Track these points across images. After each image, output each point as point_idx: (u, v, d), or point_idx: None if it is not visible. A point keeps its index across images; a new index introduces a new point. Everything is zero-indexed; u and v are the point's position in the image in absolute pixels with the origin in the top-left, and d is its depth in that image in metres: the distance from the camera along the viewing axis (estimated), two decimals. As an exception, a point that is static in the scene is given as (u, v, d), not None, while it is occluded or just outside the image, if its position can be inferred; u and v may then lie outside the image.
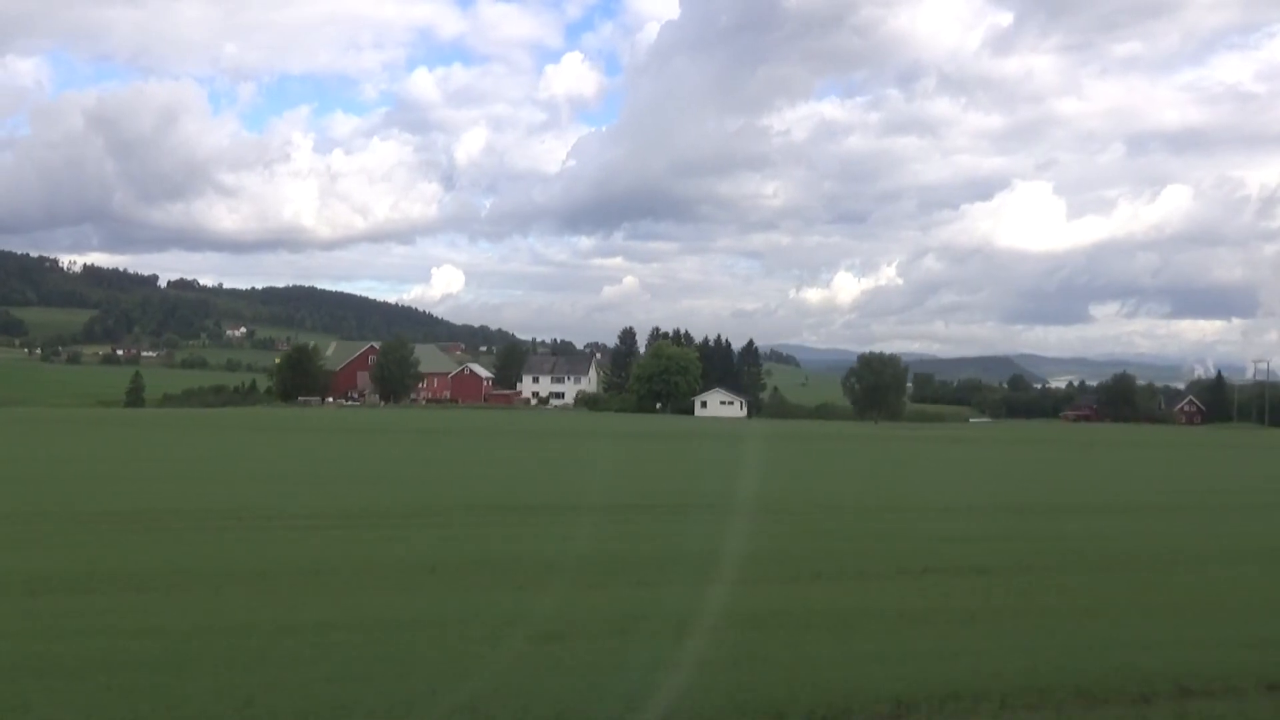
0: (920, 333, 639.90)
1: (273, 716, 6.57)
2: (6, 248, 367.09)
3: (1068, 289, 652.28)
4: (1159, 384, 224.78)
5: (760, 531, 17.90)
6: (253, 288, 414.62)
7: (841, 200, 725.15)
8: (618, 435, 69.24)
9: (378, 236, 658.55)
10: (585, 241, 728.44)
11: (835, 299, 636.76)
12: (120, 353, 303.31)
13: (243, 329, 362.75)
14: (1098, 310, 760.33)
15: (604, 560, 14.00)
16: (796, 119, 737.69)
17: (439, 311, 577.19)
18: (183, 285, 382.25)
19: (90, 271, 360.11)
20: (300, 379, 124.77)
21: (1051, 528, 20.52)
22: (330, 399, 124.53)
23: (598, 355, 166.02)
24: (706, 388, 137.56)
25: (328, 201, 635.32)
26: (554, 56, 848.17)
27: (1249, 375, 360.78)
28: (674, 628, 9.33)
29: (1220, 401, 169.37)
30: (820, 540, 17.21)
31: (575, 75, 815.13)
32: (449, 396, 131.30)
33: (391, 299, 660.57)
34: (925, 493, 29.19)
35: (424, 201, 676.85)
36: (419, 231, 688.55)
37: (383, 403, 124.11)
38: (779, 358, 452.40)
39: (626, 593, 11.71)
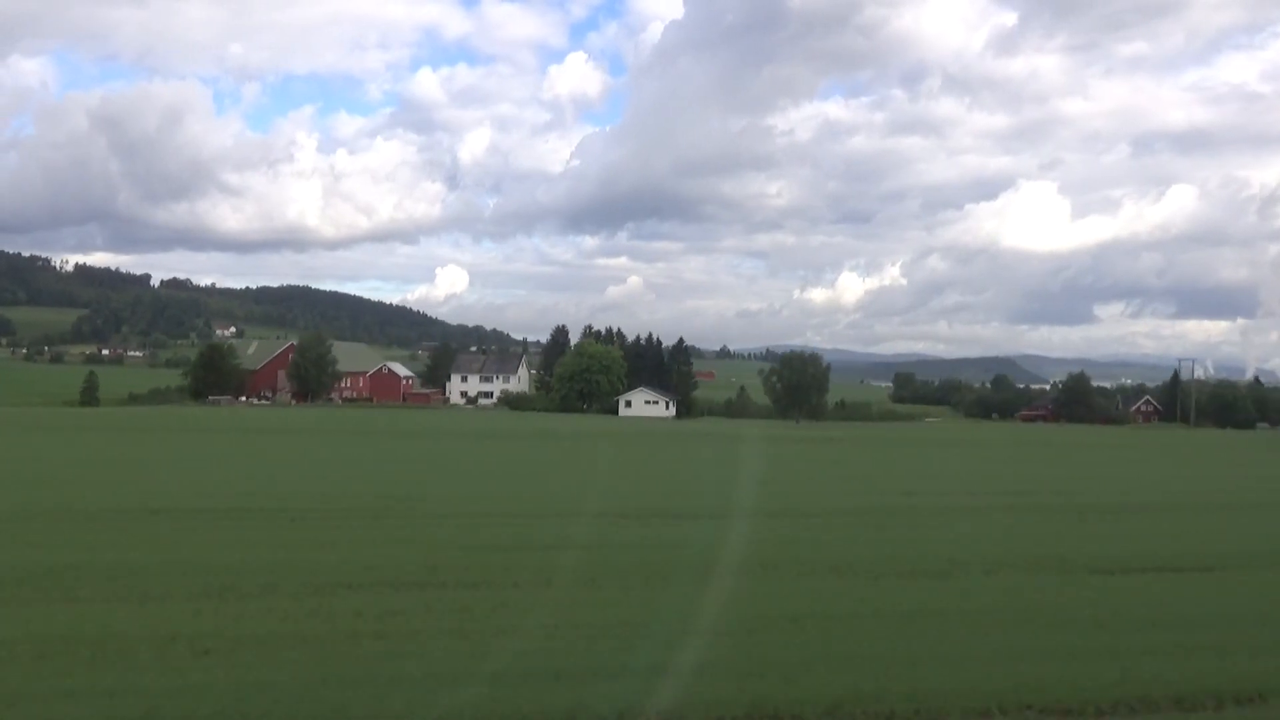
0: (924, 333, 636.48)
1: None
2: (8, 247, 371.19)
3: (1072, 289, 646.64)
4: (1133, 383, 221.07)
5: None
6: (247, 287, 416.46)
7: (846, 200, 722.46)
8: (477, 435, 67.43)
9: (382, 236, 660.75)
10: (589, 241, 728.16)
11: (840, 299, 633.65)
12: (106, 352, 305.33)
13: (232, 329, 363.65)
14: (1102, 311, 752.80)
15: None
16: (801, 119, 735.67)
17: (442, 311, 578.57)
18: (176, 285, 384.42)
19: (82, 271, 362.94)
20: (214, 377, 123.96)
21: (639, 534, 19.12)
22: (244, 398, 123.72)
23: (528, 353, 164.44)
24: (632, 387, 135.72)
25: (331, 201, 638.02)
26: (558, 56, 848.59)
27: (1249, 375, 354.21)
28: None
29: (1176, 402, 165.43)
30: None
31: (579, 75, 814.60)
32: (365, 396, 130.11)
33: (395, 299, 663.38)
34: (565, 494, 27.86)
35: (428, 201, 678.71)
36: (423, 231, 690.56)
37: (294, 401, 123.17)
38: (774, 358, 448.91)
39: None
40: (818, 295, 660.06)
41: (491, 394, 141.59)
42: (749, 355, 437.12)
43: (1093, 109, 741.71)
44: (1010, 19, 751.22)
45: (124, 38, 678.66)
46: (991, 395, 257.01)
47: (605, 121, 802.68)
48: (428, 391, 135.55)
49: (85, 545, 15.68)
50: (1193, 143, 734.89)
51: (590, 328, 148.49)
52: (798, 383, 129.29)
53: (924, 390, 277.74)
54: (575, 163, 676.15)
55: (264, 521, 19.57)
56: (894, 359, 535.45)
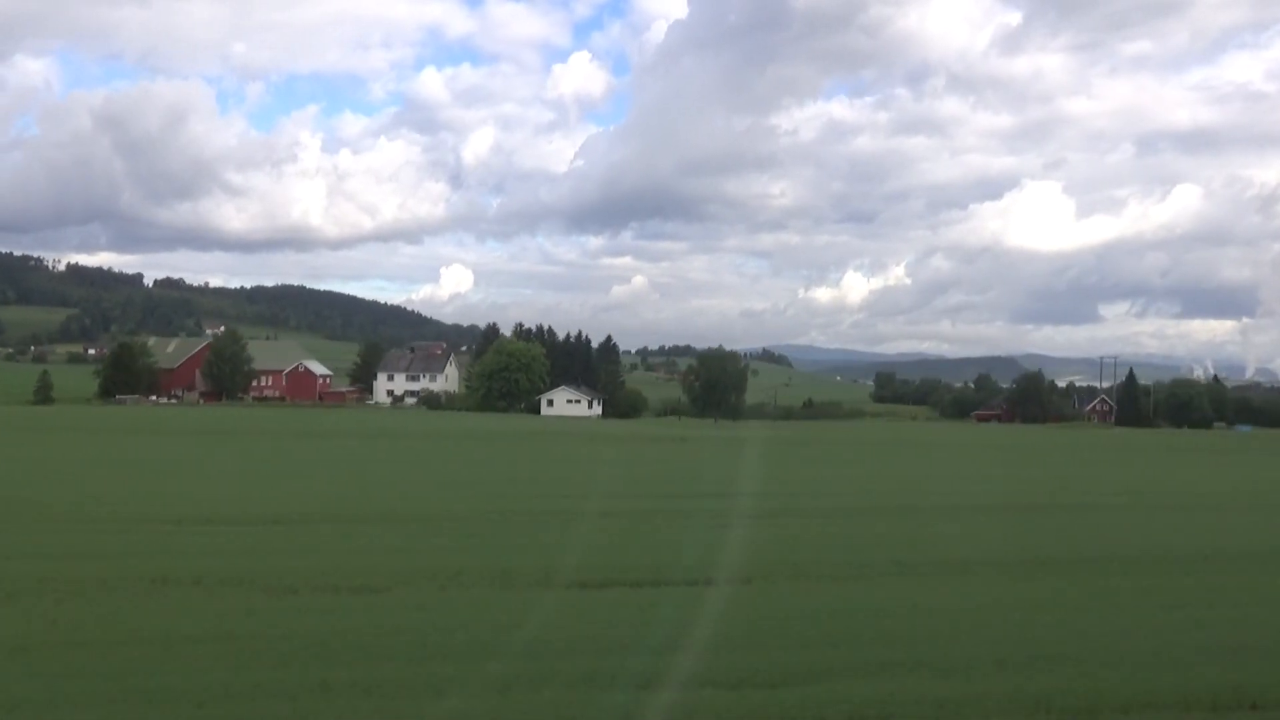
0: (928, 332, 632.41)
1: None
2: (12, 247, 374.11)
3: (1077, 289, 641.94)
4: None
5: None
6: (241, 286, 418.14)
7: (850, 200, 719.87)
8: (359, 435, 65.58)
9: (385, 236, 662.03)
10: (594, 241, 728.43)
11: (844, 299, 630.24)
12: (91, 351, 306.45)
13: (221, 328, 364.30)
14: (1107, 310, 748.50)
15: None
16: (804, 118, 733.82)
17: (446, 311, 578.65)
18: (169, 284, 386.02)
19: (74, 270, 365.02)
20: (123, 376, 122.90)
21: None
22: (154, 397, 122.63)
23: (462, 350, 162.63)
24: (554, 385, 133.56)
25: (335, 201, 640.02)
26: (562, 56, 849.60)
27: (1249, 375, 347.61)
28: None
29: (1133, 401, 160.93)
30: None
31: (583, 75, 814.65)
32: (280, 395, 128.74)
33: (399, 299, 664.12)
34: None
35: (431, 201, 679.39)
36: (426, 231, 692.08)
37: (201, 400, 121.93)
38: (771, 358, 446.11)
39: None
40: (822, 295, 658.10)
41: (417, 393, 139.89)
42: (745, 355, 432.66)
43: (1097, 108, 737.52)
44: (1015, 18, 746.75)
45: (127, 37, 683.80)
46: (971, 395, 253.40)
47: (609, 121, 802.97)
48: (343, 390, 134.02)
49: None
50: (1197, 142, 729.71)
51: (521, 325, 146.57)
52: (715, 381, 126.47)
53: (904, 390, 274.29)
54: (579, 162, 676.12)
55: None
56: (898, 358, 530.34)
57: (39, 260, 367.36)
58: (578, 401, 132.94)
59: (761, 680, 8.65)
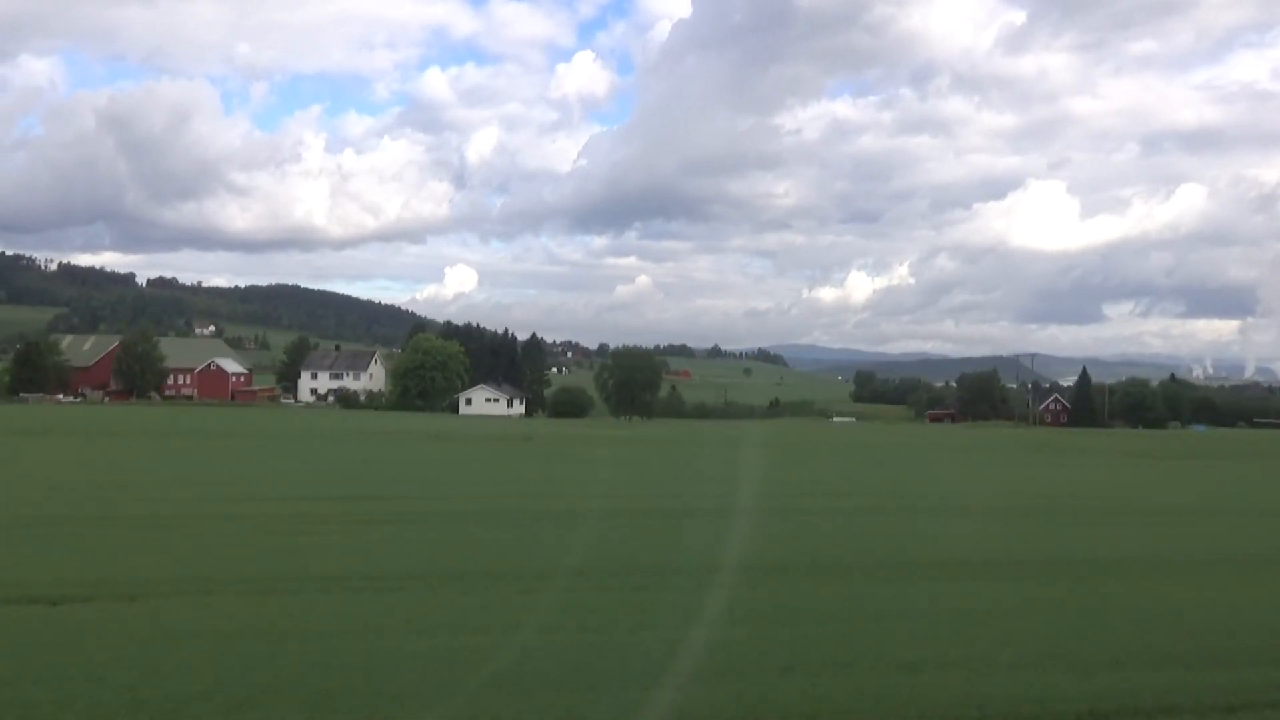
0: (932, 332, 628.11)
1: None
2: (18, 247, 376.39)
3: (1081, 288, 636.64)
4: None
5: None
6: (236, 286, 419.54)
7: (854, 199, 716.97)
8: (190, 435, 63.14)
9: (389, 236, 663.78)
10: (598, 241, 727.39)
11: (849, 298, 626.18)
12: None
13: (211, 328, 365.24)
14: (1111, 310, 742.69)
15: None
16: (808, 118, 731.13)
17: (449, 311, 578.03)
18: (162, 284, 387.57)
19: (66, 270, 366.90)
20: (29, 374, 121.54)
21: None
22: (61, 395, 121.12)
23: (393, 350, 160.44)
24: (476, 384, 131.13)
25: (339, 201, 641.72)
26: (566, 55, 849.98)
27: (1248, 374, 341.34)
28: None
29: (1086, 401, 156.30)
30: None
31: (587, 74, 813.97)
32: (187, 394, 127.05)
33: (403, 299, 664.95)
34: None
35: (435, 201, 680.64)
36: (430, 231, 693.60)
37: (106, 399, 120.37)
38: (767, 358, 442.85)
39: None
40: (826, 295, 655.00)
41: (355, 392, 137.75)
42: (740, 354, 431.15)
43: (1102, 108, 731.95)
44: (1019, 17, 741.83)
45: (132, 37, 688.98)
46: (952, 394, 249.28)
47: (613, 121, 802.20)
48: (256, 389, 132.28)
49: None
50: (1202, 142, 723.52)
51: (450, 323, 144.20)
52: (628, 380, 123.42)
53: (885, 389, 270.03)
54: (583, 162, 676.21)
55: None
56: (901, 358, 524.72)
57: (31, 260, 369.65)
58: (496, 400, 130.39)
59: None
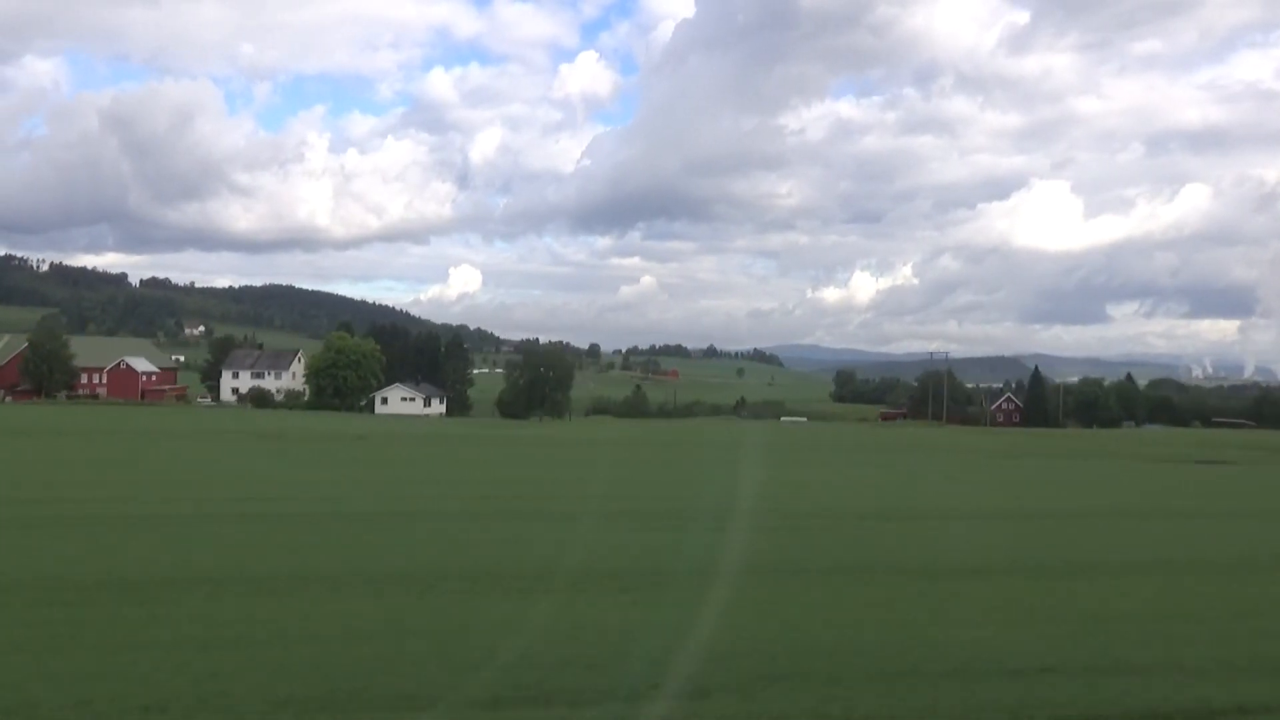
0: (936, 332, 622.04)
1: None
2: (25, 249, 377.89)
3: (1085, 288, 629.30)
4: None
5: None
6: (230, 286, 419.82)
7: (858, 200, 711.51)
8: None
9: (392, 236, 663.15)
10: (602, 241, 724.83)
11: (853, 298, 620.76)
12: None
13: (201, 328, 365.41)
14: (1115, 310, 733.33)
15: None
16: (812, 118, 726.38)
17: (454, 311, 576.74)
18: (154, 284, 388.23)
19: (57, 270, 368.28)
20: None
21: None
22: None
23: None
24: (390, 383, 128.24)
25: (342, 201, 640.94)
26: (569, 56, 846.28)
27: (1247, 374, 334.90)
28: None
29: (1039, 401, 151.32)
30: None
31: (591, 74, 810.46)
32: (93, 394, 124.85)
33: (407, 299, 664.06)
34: None
35: (438, 201, 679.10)
36: (433, 231, 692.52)
37: (9, 398, 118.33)
38: (763, 358, 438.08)
39: None
40: (830, 295, 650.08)
41: (270, 391, 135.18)
42: (735, 355, 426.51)
43: (1106, 108, 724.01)
44: (1022, 17, 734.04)
45: (136, 38, 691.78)
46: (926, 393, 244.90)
47: (616, 121, 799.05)
48: (165, 388, 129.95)
49: None
50: (1207, 141, 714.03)
51: (376, 323, 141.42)
52: (538, 378, 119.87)
53: (865, 389, 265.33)
54: (586, 162, 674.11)
55: None
56: (905, 358, 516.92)
57: (23, 260, 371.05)
58: (413, 399, 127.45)
59: None
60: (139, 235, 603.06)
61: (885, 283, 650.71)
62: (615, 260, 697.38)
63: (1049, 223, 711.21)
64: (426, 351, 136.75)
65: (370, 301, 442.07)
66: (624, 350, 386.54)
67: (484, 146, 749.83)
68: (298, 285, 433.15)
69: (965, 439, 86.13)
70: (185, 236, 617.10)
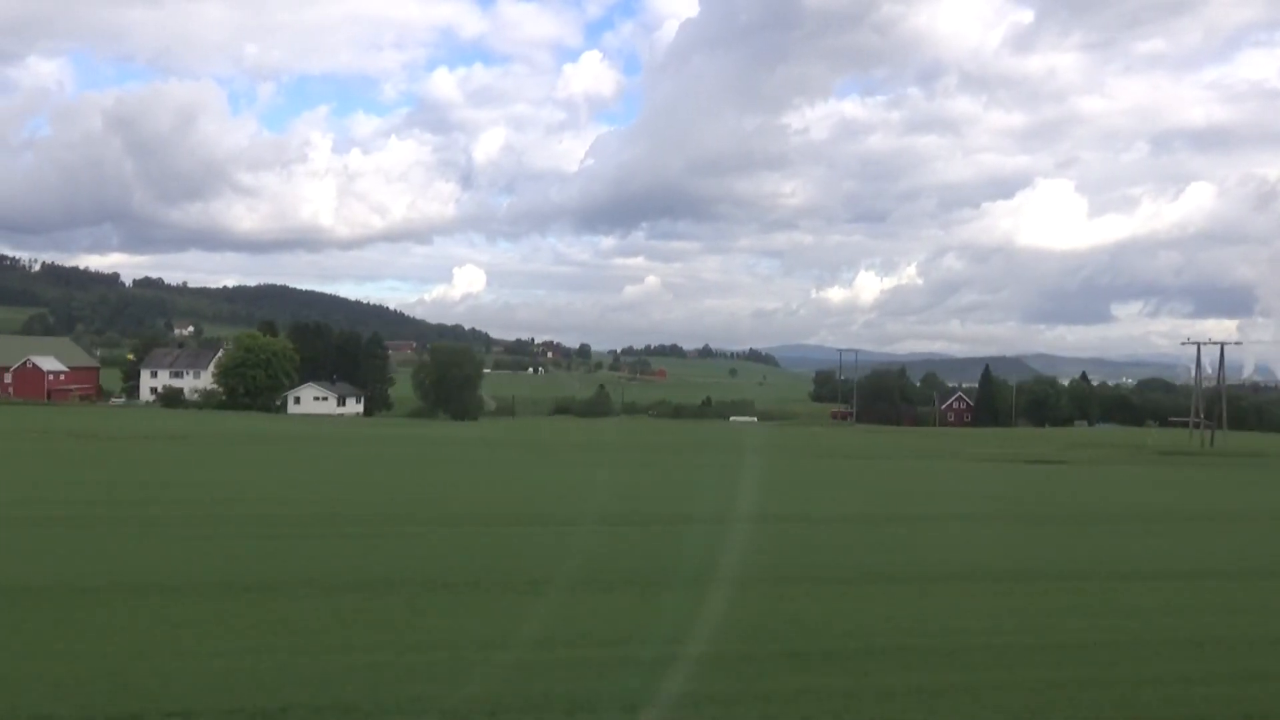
0: (940, 332, 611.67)
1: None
2: (27, 248, 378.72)
3: (1089, 288, 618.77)
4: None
5: None
6: (224, 286, 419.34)
7: (862, 199, 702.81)
8: None
9: (395, 236, 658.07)
10: (606, 241, 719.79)
11: (857, 298, 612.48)
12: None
13: (191, 328, 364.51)
14: (1119, 310, 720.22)
15: None
16: (816, 118, 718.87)
17: (458, 311, 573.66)
18: (146, 284, 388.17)
19: (49, 270, 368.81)
20: None
21: None
22: None
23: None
24: (304, 381, 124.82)
25: (345, 201, 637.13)
26: (573, 55, 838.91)
27: (1246, 374, 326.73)
28: None
29: (989, 400, 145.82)
30: None
31: (594, 74, 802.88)
32: (7, 392, 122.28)
33: (410, 299, 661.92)
34: None
35: (441, 201, 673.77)
36: (437, 231, 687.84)
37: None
38: (758, 358, 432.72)
39: None
40: (834, 295, 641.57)
41: (182, 390, 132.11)
42: (731, 355, 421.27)
43: (1111, 107, 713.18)
44: (1027, 16, 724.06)
45: (139, 38, 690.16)
46: (916, 393, 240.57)
47: (620, 121, 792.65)
48: (72, 388, 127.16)
49: None
50: (1211, 140, 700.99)
51: (292, 321, 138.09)
52: (445, 377, 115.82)
53: (846, 389, 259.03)
54: (590, 162, 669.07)
55: None
56: (909, 358, 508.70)
57: (15, 260, 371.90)
58: (326, 399, 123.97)
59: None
60: (142, 236, 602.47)
61: (890, 282, 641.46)
62: (619, 260, 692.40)
63: (1053, 222, 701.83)
64: (348, 350, 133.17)
65: (365, 302, 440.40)
66: (619, 350, 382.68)
67: (488, 146, 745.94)
68: (298, 286, 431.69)
69: (845, 438, 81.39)
70: (189, 237, 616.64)
